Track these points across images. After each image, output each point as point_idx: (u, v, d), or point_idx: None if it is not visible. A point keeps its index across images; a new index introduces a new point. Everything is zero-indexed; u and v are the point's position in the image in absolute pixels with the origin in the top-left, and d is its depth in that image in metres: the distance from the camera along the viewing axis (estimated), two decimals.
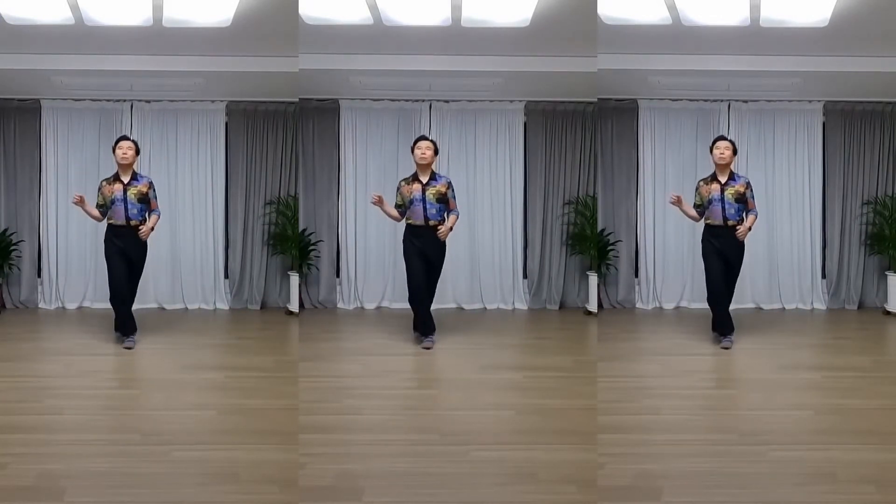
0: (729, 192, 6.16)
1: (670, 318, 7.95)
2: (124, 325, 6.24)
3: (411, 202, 6.20)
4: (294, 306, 8.02)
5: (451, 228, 6.24)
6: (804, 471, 3.51)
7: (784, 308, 8.38)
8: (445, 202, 6.23)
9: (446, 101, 8.35)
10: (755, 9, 6.41)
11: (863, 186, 8.39)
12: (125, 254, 6.16)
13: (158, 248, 8.30)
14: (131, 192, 6.16)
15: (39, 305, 8.30)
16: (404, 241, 6.28)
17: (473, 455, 3.71)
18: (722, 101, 8.34)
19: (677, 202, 6.21)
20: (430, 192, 6.17)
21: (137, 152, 6.33)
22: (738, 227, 6.11)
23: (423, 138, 6.38)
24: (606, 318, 7.82)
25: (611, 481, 3.38)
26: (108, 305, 8.16)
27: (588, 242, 8.19)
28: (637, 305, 8.43)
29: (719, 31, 6.79)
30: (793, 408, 4.56)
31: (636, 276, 8.49)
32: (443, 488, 3.34)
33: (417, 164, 6.24)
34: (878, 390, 4.92)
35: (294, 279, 8.05)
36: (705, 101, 8.35)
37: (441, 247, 6.26)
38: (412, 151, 6.29)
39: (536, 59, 7.43)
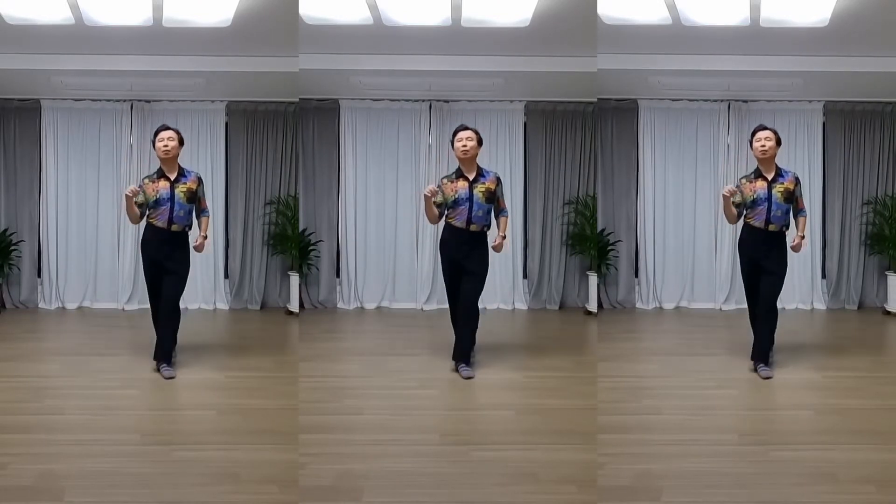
0: (777, 189, 5.27)
1: (670, 318, 7.94)
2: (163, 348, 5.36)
3: (455, 202, 5.29)
4: (294, 306, 8.01)
5: (504, 237, 5.42)
6: (804, 471, 3.50)
7: (784, 308, 8.35)
8: (495, 202, 5.39)
9: (446, 101, 8.35)
10: (755, 9, 6.41)
11: (863, 186, 8.39)
12: (162, 266, 5.27)
13: None
14: (179, 190, 5.26)
15: (39, 305, 8.30)
16: (441, 246, 5.49)
17: (473, 455, 3.70)
18: (722, 101, 8.34)
19: (731, 194, 5.31)
20: (479, 190, 5.28)
21: (181, 143, 5.36)
22: (781, 232, 5.30)
23: (465, 127, 5.38)
24: (606, 318, 7.82)
25: (611, 481, 3.38)
26: (109, 305, 8.28)
27: (588, 242, 8.19)
28: (637, 305, 8.43)
29: (719, 31, 6.79)
30: (793, 408, 4.56)
31: (636, 276, 8.49)
32: (443, 488, 3.34)
33: (459, 159, 5.32)
34: (878, 390, 4.91)
35: (294, 279, 8.05)
36: (705, 101, 8.35)
37: (483, 254, 5.36)
38: (452, 145, 5.38)
39: (536, 59, 7.44)
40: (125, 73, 7.63)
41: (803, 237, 5.40)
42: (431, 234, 8.30)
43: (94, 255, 8.34)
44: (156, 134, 5.34)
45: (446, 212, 5.36)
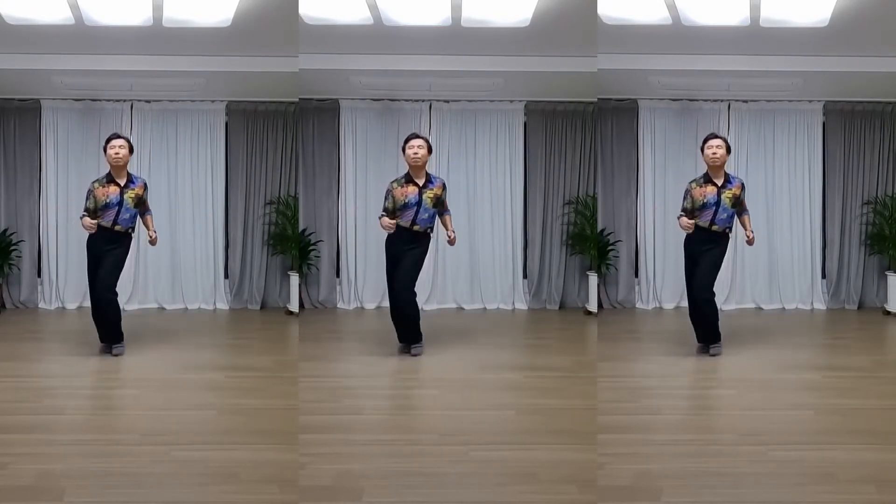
0: (726, 195, 5.69)
1: (670, 318, 7.94)
2: (113, 331, 5.76)
3: (404, 206, 5.77)
4: (294, 306, 8.01)
5: (454, 230, 6.04)
6: (804, 471, 3.50)
7: (784, 308, 8.37)
8: (440, 205, 5.89)
9: (446, 101, 8.35)
10: (755, 9, 6.42)
11: (863, 186, 8.39)
12: (100, 258, 5.71)
13: (158, 248, 8.26)
14: (128, 195, 5.70)
15: (39, 305, 8.30)
16: (386, 243, 6.01)
17: (473, 455, 3.70)
18: (722, 101, 8.34)
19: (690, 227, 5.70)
20: (427, 196, 5.77)
21: (131, 151, 5.80)
22: (723, 233, 5.71)
23: (416, 136, 5.86)
24: (606, 318, 7.82)
25: (611, 481, 3.38)
26: None
27: (588, 242, 8.19)
28: (637, 305, 8.43)
29: (719, 31, 6.79)
30: (793, 408, 4.56)
31: (636, 276, 8.48)
32: (443, 488, 3.34)
33: (410, 165, 5.80)
34: (878, 390, 4.91)
35: (294, 279, 8.05)
36: (705, 101, 8.35)
37: (422, 252, 5.89)
38: (403, 151, 5.86)
39: (536, 59, 7.44)
40: (125, 73, 7.63)
41: (753, 232, 5.94)
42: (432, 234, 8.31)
43: None
44: (107, 141, 5.75)
45: (398, 214, 5.82)
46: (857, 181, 8.41)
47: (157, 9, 6.37)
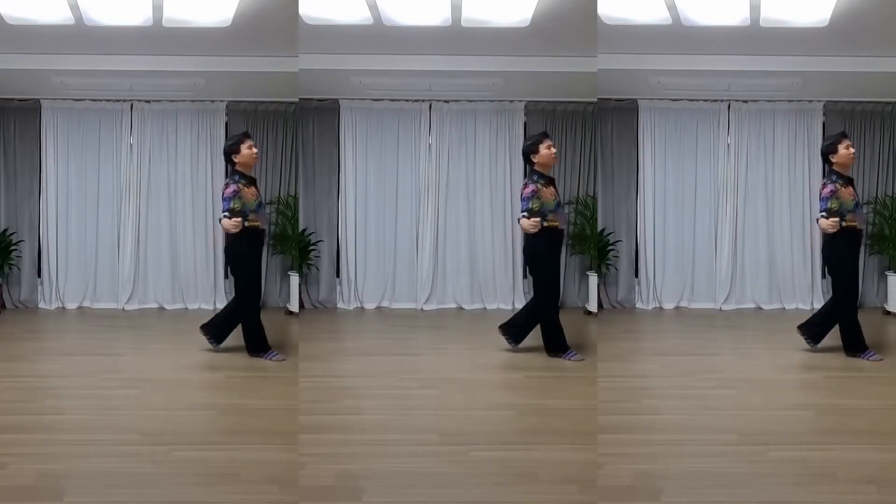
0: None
1: (670, 318, 7.94)
2: (261, 337, 5.75)
3: (557, 205, 5.66)
4: (294, 306, 8.01)
5: None
6: (804, 471, 3.50)
7: (784, 308, 8.37)
8: None
9: (446, 101, 8.35)
10: (755, 9, 6.41)
11: (863, 186, 8.38)
12: (258, 258, 5.76)
13: (158, 248, 8.32)
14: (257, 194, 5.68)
15: (39, 305, 8.30)
16: (550, 246, 5.74)
17: (473, 455, 3.70)
18: (722, 101, 8.35)
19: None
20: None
21: None
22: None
23: (547, 135, 5.78)
24: (606, 318, 7.82)
25: (611, 481, 3.38)
26: (109, 305, 8.27)
27: (588, 242, 8.19)
28: (637, 305, 8.43)
29: (719, 31, 6.79)
30: (793, 408, 4.56)
31: (636, 276, 8.49)
32: (443, 488, 3.33)
33: (548, 165, 5.65)
34: (878, 390, 4.91)
35: (294, 279, 8.05)
36: (705, 101, 8.35)
37: (560, 242, 5.90)
38: (536, 151, 5.59)
39: (536, 59, 7.44)
40: (125, 73, 7.64)
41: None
42: (431, 234, 8.31)
43: (94, 255, 8.35)
44: (240, 141, 5.54)
45: (547, 215, 5.54)
46: (857, 181, 8.38)
47: (157, 9, 6.37)
